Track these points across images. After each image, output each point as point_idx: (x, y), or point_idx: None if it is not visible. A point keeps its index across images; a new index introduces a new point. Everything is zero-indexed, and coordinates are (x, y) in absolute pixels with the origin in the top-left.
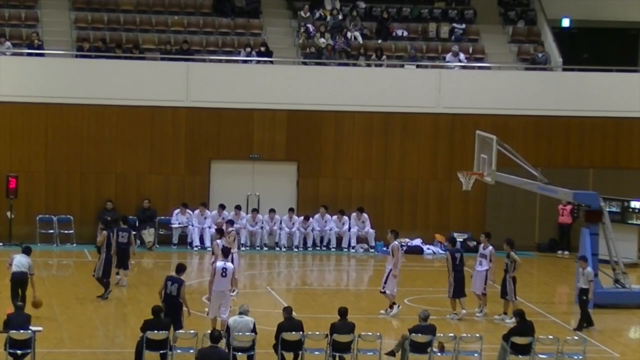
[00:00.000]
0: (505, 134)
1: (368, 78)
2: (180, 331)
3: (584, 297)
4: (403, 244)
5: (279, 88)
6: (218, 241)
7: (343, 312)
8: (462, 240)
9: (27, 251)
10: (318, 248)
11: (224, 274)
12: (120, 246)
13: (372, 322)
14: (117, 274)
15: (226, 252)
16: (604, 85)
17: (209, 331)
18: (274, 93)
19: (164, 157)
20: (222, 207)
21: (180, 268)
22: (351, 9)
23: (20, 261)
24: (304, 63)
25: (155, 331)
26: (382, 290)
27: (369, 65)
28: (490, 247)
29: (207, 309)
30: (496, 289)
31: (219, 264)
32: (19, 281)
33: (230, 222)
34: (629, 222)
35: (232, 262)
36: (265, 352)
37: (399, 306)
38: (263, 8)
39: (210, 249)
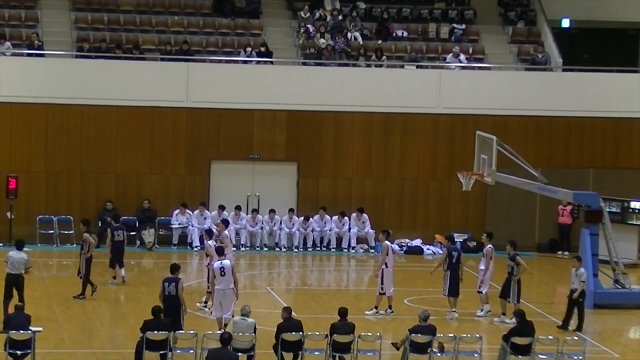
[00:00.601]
0: (505, 134)
1: (368, 78)
2: (180, 331)
3: (580, 299)
4: (403, 244)
5: (279, 88)
6: (210, 242)
7: (343, 312)
8: (462, 240)
9: (20, 246)
10: (318, 248)
11: (222, 273)
12: (117, 244)
13: (372, 323)
14: (114, 277)
15: (220, 251)
16: (604, 85)
17: (210, 332)
18: (274, 93)
19: (164, 157)
20: (221, 208)
21: (175, 268)
22: (351, 10)
23: (13, 262)
24: (304, 63)
25: (155, 332)
26: (382, 292)
27: (369, 65)
28: (488, 247)
29: (207, 309)
30: (496, 289)
31: (216, 264)
32: (12, 282)
33: (225, 222)
34: (629, 222)
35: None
36: (265, 352)
37: (376, 311)
38: (263, 8)
39: None
